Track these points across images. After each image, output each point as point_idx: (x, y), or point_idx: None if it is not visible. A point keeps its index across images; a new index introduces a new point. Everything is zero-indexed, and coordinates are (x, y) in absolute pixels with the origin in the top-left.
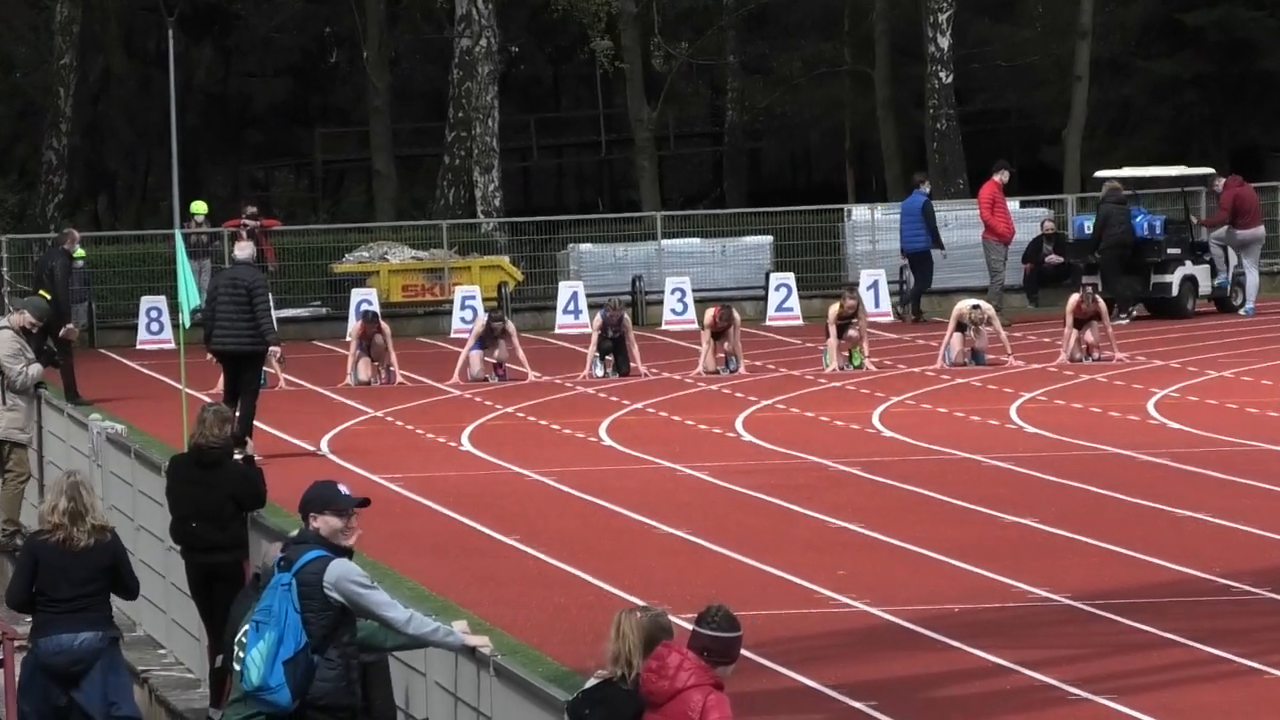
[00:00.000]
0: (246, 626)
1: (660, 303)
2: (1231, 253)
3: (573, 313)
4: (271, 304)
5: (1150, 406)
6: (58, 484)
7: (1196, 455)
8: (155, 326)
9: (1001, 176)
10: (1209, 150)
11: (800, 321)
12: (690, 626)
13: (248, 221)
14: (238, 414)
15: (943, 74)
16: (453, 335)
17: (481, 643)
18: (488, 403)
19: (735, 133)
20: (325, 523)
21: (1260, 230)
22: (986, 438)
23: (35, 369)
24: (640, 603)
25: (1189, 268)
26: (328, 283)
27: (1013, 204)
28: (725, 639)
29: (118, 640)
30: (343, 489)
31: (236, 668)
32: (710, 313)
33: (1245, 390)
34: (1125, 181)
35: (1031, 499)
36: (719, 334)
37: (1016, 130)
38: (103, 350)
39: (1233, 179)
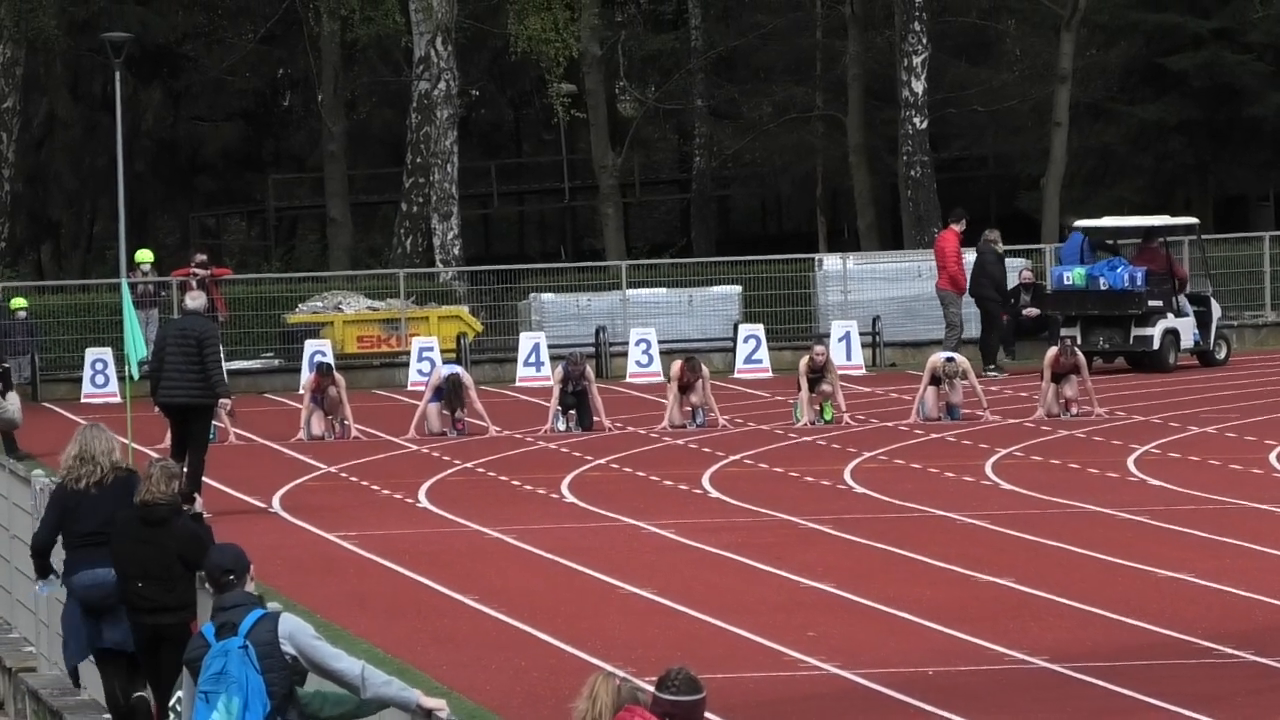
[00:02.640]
0: (179, 693)
1: (625, 354)
2: (1215, 306)
3: (534, 365)
4: (222, 355)
5: (1130, 463)
6: (76, 434)
7: (1178, 514)
8: (100, 379)
9: (959, 225)
10: (1193, 199)
11: (770, 374)
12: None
13: (198, 270)
14: (186, 469)
15: (917, 119)
16: (410, 388)
17: (438, 705)
18: (446, 458)
19: (703, 179)
20: (254, 584)
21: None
22: (961, 495)
23: (14, 397)
24: (609, 667)
25: (1171, 320)
26: (280, 333)
27: None
28: (687, 703)
29: None
30: None
31: None
32: (676, 366)
33: (1228, 446)
34: (1106, 231)
35: (1008, 558)
36: (685, 388)
37: (993, 178)
38: (46, 403)
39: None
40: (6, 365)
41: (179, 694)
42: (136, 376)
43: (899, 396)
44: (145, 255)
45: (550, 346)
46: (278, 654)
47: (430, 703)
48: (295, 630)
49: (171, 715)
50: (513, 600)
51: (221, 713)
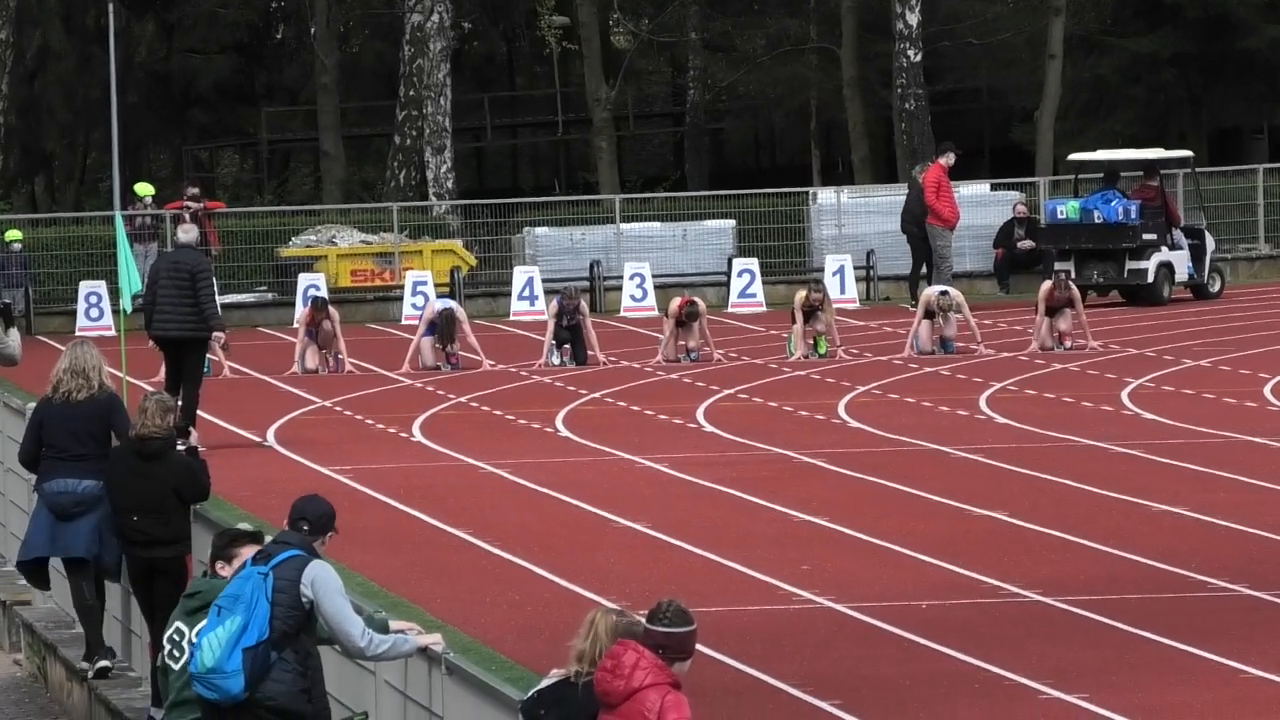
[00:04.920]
0: (178, 623)
1: (619, 289)
2: (1209, 239)
3: (528, 299)
4: (216, 289)
5: (1124, 396)
6: (66, 349)
7: (1172, 447)
8: (95, 312)
9: (947, 159)
10: (1187, 132)
11: (763, 308)
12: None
13: (190, 203)
14: (180, 403)
15: (911, 52)
16: (404, 322)
17: (433, 640)
18: (440, 392)
19: (697, 113)
20: (323, 543)
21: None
22: (955, 428)
23: (15, 334)
24: (606, 603)
25: (1165, 254)
26: (274, 267)
27: (982, 187)
28: (679, 634)
29: None
30: None
31: (173, 662)
32: (676, 303)
33: (1222, 379)
34: (1099, 165)
35: (1001, 492)
36: (682, 324)
37: (987, 110)
38: (40, 336)
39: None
40: (7, 301)
41: (177, 624)
42: (129, 310)
43: (893, 330)
44: (146, 188)
45: (544, 281)
46: (294, 592)
47: (425, 639)
48: (320, 577)
49: (168, 645)
50: (507, 534)
51: (224, 629)
